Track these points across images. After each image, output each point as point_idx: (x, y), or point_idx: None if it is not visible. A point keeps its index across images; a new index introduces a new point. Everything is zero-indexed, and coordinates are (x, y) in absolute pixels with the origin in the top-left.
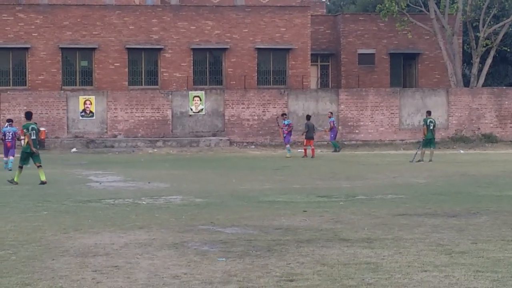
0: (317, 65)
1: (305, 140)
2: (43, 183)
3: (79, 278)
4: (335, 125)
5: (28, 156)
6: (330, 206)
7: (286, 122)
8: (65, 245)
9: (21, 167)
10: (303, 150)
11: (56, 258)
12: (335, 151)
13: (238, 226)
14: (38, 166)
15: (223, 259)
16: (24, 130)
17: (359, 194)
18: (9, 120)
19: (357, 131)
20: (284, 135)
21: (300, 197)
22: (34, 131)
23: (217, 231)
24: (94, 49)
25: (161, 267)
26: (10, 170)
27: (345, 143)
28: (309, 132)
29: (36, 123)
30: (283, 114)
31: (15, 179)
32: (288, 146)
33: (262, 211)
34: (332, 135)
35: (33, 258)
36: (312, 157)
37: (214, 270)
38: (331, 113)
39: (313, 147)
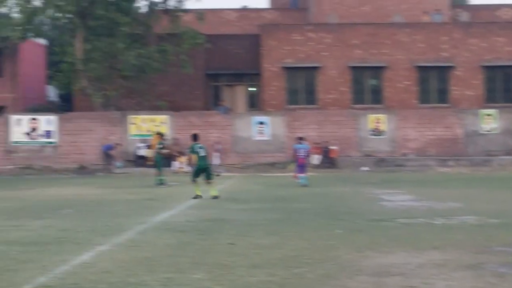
0: None
1: None
2: (215, 197)
3: None
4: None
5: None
6: None
7: None
8: (360, 264)
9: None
10: None
11: (351, 277)
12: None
13: None
14: (208, 183)
15: None
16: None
17: None
18: (301, 138)
19: None
20: None
21: None
22: (202, 149)
23: None
24: (383, 67)
25: None
26: (306, 186)
27: None
28: None
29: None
30: None
31: (198, 193)
32: None
33: None
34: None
35: (328, 277)
36: None
37: None
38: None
39: None
